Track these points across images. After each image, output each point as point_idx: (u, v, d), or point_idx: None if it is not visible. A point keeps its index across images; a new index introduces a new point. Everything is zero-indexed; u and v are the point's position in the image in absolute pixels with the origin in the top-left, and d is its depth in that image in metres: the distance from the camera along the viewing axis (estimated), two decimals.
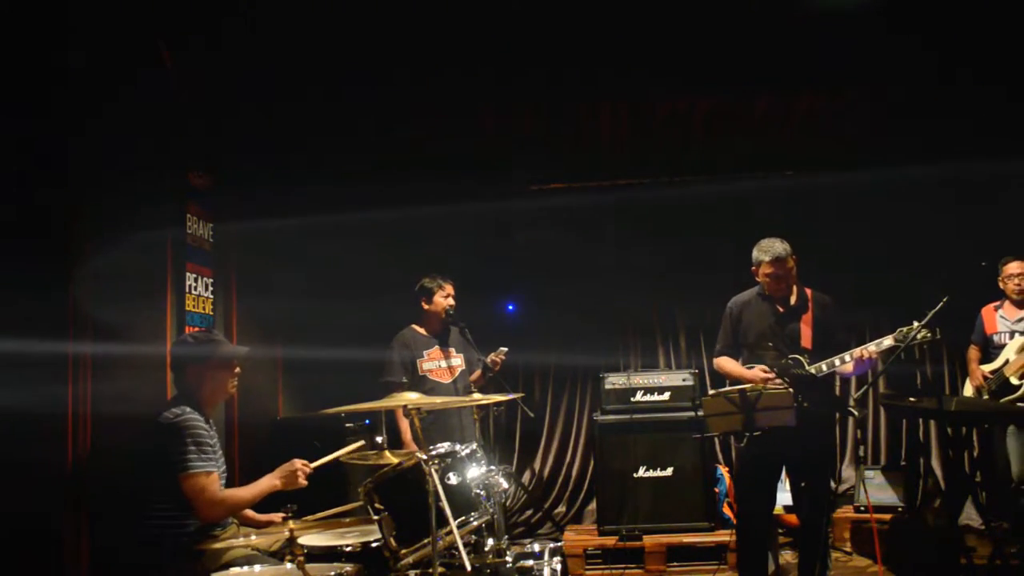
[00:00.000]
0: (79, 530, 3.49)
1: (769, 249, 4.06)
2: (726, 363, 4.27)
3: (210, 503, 3.01)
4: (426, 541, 2.88)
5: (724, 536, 5.16)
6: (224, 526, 3.18)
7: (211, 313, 4.56)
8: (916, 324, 3.81)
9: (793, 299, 4.15)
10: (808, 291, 4.18)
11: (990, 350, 5.15)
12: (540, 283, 6.45)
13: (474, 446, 3.43)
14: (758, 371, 4.04)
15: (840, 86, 5.08)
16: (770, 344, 4.09)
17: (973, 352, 5.28)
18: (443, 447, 3.30)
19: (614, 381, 5.66)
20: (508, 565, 3.43)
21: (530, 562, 3.64)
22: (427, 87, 4.88)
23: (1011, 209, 5.46)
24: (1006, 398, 4.81)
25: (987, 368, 5.07)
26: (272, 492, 3.15)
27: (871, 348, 3.90)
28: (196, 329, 4.31)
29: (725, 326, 4.30)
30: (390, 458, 3.28)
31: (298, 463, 3.17)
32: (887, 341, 3.90)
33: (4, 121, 3.36)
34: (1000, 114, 5.06)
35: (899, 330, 3.88)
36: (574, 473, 6.62)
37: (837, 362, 3.95)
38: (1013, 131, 5.09)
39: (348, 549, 3.14)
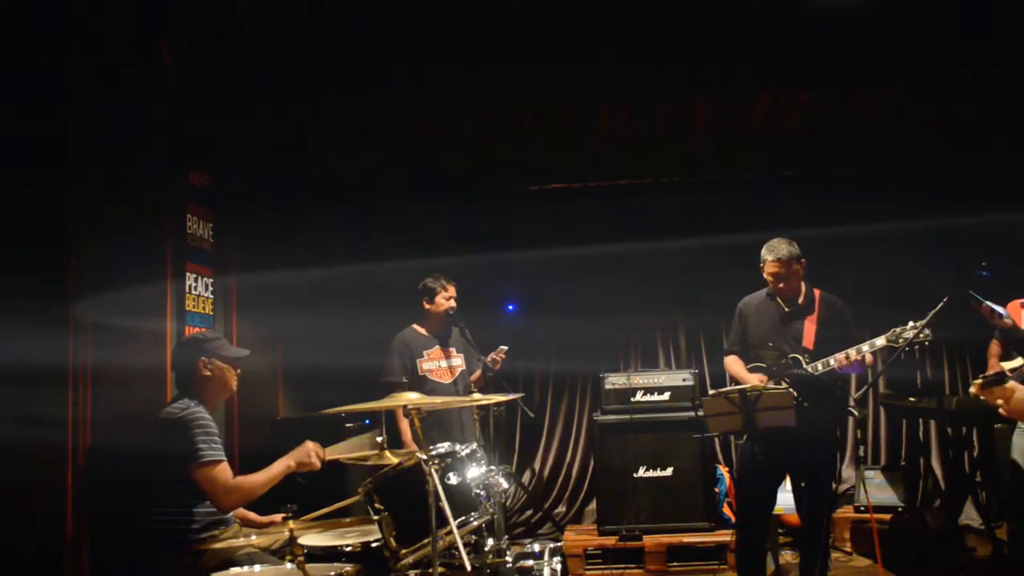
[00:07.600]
0: (79, 531, 3.49)
1: (775, 248, 4.07)
2: (732, 364, 4.28)
3: (225, 491, 3.02)
4: (426, 541, 2.88)
5: (724, 536, 5.17)
6: (227, 525, 3.18)
7: (211, 313, 4.56)
8: (911, 324, 3.80)
9: (800, 299, 4.14)
10: (817, 292, 4.17)
11: (1011, 347, 5.06)
12: (540, 283, 6.44)
13: (474, 446, 3.42)
14: (757, 379, 4.03)
15: (841, 86, 5.08)
16: (771, 344, 4.10)
17: (994, 347, 5.16)
18: (443, 447, 3.30)
19: (614, 381, 5.66)
20: (508, 565, 3.42)
21: (530, 562, 3.62)
22: (426, 88, 4.87)
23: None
24: None
25: (1007, 366, 4.98)
26: (287, 474, 3.15)
27: (864, 348, 3.89)
28: (197, 330, 4.32)
29: (734, 325, 4.31)
30: (390, 458, 3.28)
31: (311, 444, 3.20)
32: (879, 341, 3.88)
33: (3, 122, 3.36)
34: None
35: (892, 330, 3.88)
36: (574, 473, 6.63)
37: (832, 361, 3.95)
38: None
39: (348, 549, 3.14)
